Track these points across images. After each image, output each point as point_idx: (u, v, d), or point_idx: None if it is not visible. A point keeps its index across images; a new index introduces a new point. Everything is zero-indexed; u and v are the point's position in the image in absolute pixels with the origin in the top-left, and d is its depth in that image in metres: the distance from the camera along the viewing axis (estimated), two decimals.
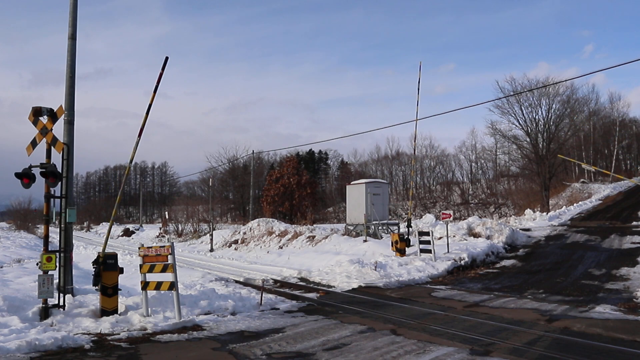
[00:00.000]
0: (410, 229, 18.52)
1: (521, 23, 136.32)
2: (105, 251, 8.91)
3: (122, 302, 8.90)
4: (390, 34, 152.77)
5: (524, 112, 40.39)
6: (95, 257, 8.69)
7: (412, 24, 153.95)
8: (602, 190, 41.96)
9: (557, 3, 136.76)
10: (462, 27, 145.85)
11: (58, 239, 9.65)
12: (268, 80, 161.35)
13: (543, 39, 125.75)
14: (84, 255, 24.18)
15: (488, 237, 18.84)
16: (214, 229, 32.90)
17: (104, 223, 72.96)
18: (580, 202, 35.47)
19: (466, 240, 18.54)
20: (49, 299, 8.25)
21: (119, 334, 7.46)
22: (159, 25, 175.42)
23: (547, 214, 29.47)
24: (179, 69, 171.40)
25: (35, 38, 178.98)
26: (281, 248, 24.32)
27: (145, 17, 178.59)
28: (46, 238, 8.96)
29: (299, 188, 44.16)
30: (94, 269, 8.68)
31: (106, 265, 8.62)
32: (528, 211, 30.50)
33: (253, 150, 49.11)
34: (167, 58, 9.25)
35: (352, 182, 30.03)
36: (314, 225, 32.05)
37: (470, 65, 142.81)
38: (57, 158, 9.02)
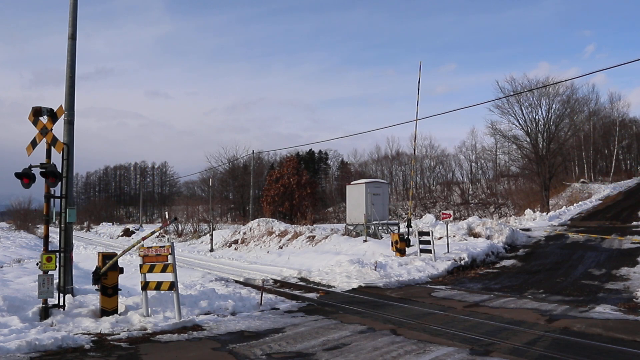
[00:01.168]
0: (410, 229, 18.52)
1: (523, 23, 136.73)
2: (105, 251, 8.91)
3: (122, 302, 8.90)
4: (391, 34, 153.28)
5: (524, 112, 40.46)
6: (95, 268, 8.65)
7: (414, 24, 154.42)
8: (602, 190, 41.92)
9: (559, 3, 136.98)
10: (463, 27, 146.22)
11: (58, 239, 9.65)
12: (269, 80, 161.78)
13: (544, 39, 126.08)
14: (84, 255, 24.18)
15: (488, 237, 18.84)
16: (214, 229, 32.88)
17: (104, 223, 73.05)
18: (580, 202, 35.45)
19: (466, 240, 18.54)
20: (49, 299, 8.25)
21: (119, 334, 7.46)
22: (160, 25, 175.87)
23: (547, 214, 29.47)
24: (180, 69, 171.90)
25: (36, 38, 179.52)
26: (281, 248, 24.31)
27: (146, 17, 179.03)
28: (46, 238, 8.96)
29: (299, 188, 44.17)
30: (93, 274, 8.68)
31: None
32: (528, 211, 30.50)
33: (253, 150, 49.17)
34: (175, 218, 9.31)
35: (352, 182, 30.02)
36: (314, 225, 32.05)
37: (471, 65, 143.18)
38: (57, 158, 9.04)
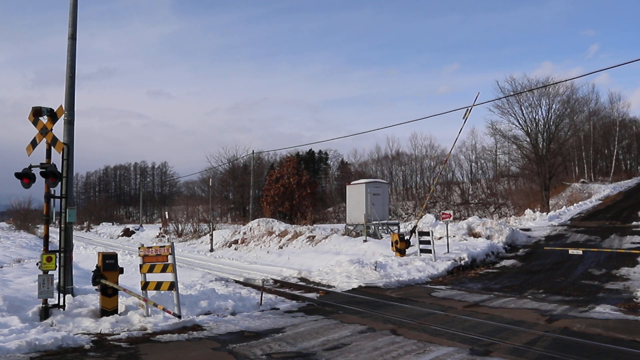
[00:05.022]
0: (414, 233, 18.40)
1: (526, 23, 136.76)
2: (105, 251, 8.91)
3: (122, 302, 8.89)
4: (397, 34, 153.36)
5: (524, 112, 40.45)
6: (95, 268, 8.67)
7: (420, 24, 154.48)
8: (602, 190, 41.92)
9: (563, 3, 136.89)
10: (467, 27, 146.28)
11: (58, 239, 9.65)
12: (273, 80, 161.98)
13: (548, 38, 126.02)
14: (84, 255, 24.16)
15: (488, 237, 18.84)
16: (214, 229, 32.89)
17: (104, 223, 73.06)
18: (580, 202, 35.44)
19: (466, 240, 18.54)
20: (49, 299, 8.25)
21: (119, 334, 7.46)
22: (166, 25, 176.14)
23: (547, 214, 29.46)
24: (183, 69, 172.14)
25: (40, 37, 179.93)
26: (281, 248, 24.31)
27: (152, 16, 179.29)
28: (46, 238, 8.96)
29: (299, 188, 44.13)
30: (93, 272, 8.69)
31: (106, 265, 8.63)
32: (528, 211, 30.49)
33: (253, 150, 49.15)
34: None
35: (352, 182, 30.01)
36: (314, 225, 32.04)
37: (474, 65, 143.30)
38: (57, 158, 9.05)
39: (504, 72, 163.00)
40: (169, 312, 7.92)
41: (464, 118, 18.08)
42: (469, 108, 18.02)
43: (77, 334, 7.38)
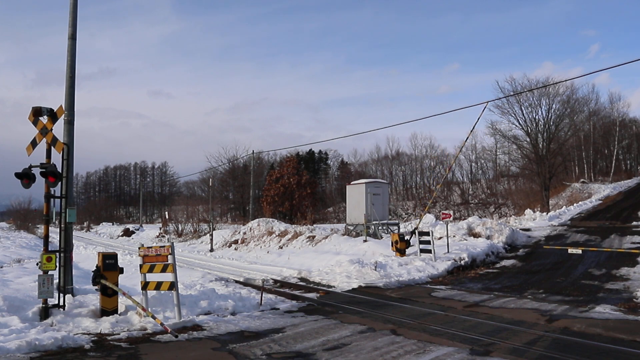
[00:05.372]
0: (414, 233, 18.38)
1: (526, 23, 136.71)
2: (105, 251, 8.90)
3: (122, 302, 8.88)
4: (397, 34, 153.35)
5: (524, 112, 40.43)
6: (95, 268, 8.67)
7: (420, 24, 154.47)
8: (602, 190, 41.90)
9: (564, 3, 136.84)
10: (467, 27, 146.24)
11: (58, 239, 9.65)
12: (273, 80, 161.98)
13: (548, 38, 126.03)
14: (84, 255, 24.15)
15: (488, 237, 18.84)
16: (214, 229, 32.89)
17: (104, 223, 73.03)
18: (580, 202, 35.43)
19: (466, 240, 18.53)
20: (49, 299, 8.25)
21: (119, 334, 7.46)
22: (166, 25, 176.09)
23: (547, 214, 29.46)
24: (183, 69, 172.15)
25: (40, 37, 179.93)
26: (281, 248, 24.31)
27: (152, 16, 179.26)
28: (46, 238, 8.96)
29: (299, 188, 44.13)
30: (93, 272, 8.69)
31: (106, 266, 8.62)
32: (528, 211, 30.49)
33: (253, 150, 49.13)
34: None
35: (352, 182, 30.00)
36: (314, 225, 32.03)
37: (475, 65, 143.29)
38: (57, 158, 9.04)
39: (504, 72, 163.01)
40: (167, 330, 7.39)
41: (471, 130, 18.77)
42: (478, 117, 18.59)
43: (77, 334, 7.38)
